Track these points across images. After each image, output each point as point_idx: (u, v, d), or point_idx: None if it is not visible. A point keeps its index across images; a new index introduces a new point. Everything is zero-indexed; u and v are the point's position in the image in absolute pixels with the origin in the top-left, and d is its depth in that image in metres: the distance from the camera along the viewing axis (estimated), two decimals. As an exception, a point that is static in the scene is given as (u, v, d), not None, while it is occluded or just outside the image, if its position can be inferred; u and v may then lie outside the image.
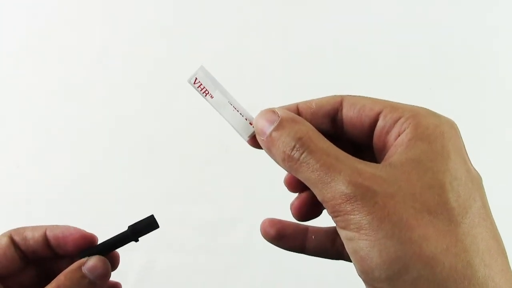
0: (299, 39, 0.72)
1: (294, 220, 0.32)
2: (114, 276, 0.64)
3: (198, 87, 0.29)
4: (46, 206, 0.67)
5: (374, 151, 0.28)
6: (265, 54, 0.71)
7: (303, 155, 0.25)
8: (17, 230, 0.32)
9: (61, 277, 0.29)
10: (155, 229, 0.30)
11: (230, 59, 0.71)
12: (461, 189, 0.23)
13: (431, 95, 0.70)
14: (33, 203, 0.67)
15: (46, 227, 0.32)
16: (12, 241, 0.31)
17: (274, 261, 0.65)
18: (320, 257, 0.32)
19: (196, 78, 0.29)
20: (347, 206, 0.23)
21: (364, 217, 0.22)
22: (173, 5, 0.73)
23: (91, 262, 0.30)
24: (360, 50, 0.71)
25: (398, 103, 0.27)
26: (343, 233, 0.24)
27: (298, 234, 0.32)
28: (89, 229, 0.66)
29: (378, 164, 0.25)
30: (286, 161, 0.26)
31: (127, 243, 0.31)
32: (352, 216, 0.23)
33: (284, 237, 0.32)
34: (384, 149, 0.27)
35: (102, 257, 0.31)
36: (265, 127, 0.27)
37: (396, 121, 0.26)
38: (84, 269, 0.30)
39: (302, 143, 0.25)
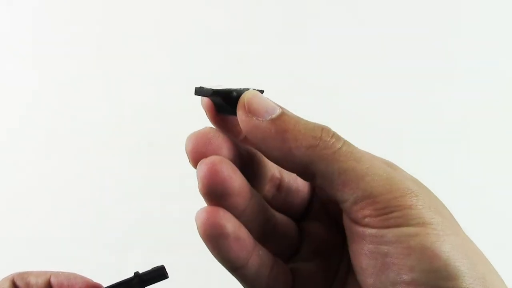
0: (296, 37, 0.70)
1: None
2: (114, 276, 0.64)
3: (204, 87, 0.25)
4: (46, 206, 0.67)
5: None
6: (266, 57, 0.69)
7: (345, 144, 0.22)
8: (20, 274, 0.31)
9: None
10: (163, 279, 0.30)
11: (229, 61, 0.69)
12: None
13: (430, 96, 0.69)
14: (33, 203, 0.67)
15: (51, 274, 0.31)
16: (15, 286, 0.30)
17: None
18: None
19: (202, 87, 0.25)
20: (408, 200, 0.21)
21: (426, 212, 0.21)
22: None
23: None
24: (359, 50, 0.69)
25: None
26: (395, 231, 0.21)
27: (247, 241, 0.23)
28: (88, 228, 0.66)
29: None
30: (320, 147, 0.22)
31: None
32: (415, 211, 0.21)
33: (229, 237, 0.23)
34: None
35: None
36: (270, 106, 0.23)
37: None
38: None
39: (337, 133, 0.22)
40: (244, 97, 0.23)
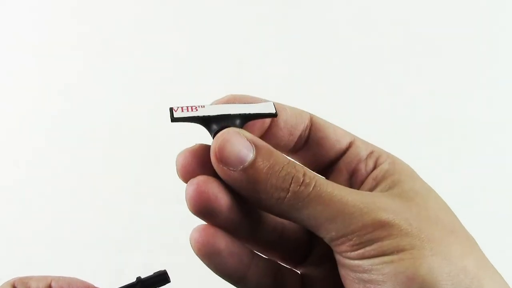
0: (294, 37, 0.70)
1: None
2: (114, 276, 0.64)
3: (182, 110, 0.24)
4: (46, 206, 0.67)
5: (334, 173, 0.27)
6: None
7: (315, 189, 0.22)
8: (21, 279, 0.31)
9: None
10: (165, 284, 0.29)
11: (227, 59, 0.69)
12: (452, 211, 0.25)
13: (431, 96, 0.69)
14: (33, 203, 0.67)
15: (52, 278, 0.31)
16: None
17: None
18: None
19: (172, 109, 0.24)
20: (381, 232, 0.22)
21: (404, 239, 0.21)
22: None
23: None
24: (360, 49, 0.69)
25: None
26: (374, 261, 0.22)
27: (242, 254, 0.24)
28: (89, 229, 0.66)
29: (382, 194, 0.24)
30: (288, 199, 0.22)
31: None
32: (389, 241, 0.22)
33: (222, 253, 0.23)
34: (353, 175, 0.26)
35: None
36: (242, 154, 0.22)
37: (370, 153, 0.26)
38: None
39: (308, 175, 0.22)
40: (215, 144, 0.23)
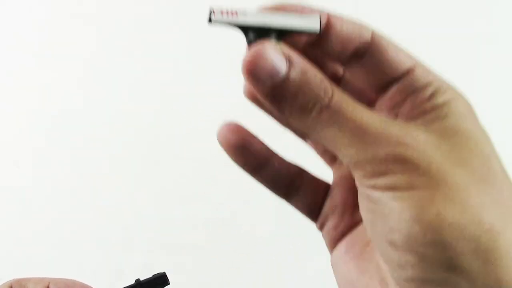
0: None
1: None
2: (114, 276, 0.64)
3: (222, 14, 0.22)
4: (46, 206, 0.67)
5: (385, 98, 0.25)
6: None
7: (336, 112, 0.21)
8: (19, 281, 0.31)
9: None
10: (165, 286, 0.29)
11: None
12: (499, 161, 0.22)
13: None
14: (33, 203, 0.67)
15: (50, 280, 0.30)
16: None
17: (275, 260, 0.66)
18: (267, 187, 0.28)
19: (212, 10, 0.22)
20: (397, 166, 0.20)
21: (418, 178, 0.20)
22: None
23: None
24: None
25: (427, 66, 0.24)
26: (383, 194, 0.21)
27: (263, 152, 0.27)
28: (88, 228, 0.66)
29: (416, 127, 0.22)
30: (310, 119, 0.21)
31: None
32: (401, 177, 0.20)
33: (246, 149, 0.26)
34: (402, 105, 0.24)
35: None
36: (273, 71, 0.21)
37: (428, 84, 0.23)
38: None
39: (335, 98, 0.21)
40: (247, 57, 0.21)
